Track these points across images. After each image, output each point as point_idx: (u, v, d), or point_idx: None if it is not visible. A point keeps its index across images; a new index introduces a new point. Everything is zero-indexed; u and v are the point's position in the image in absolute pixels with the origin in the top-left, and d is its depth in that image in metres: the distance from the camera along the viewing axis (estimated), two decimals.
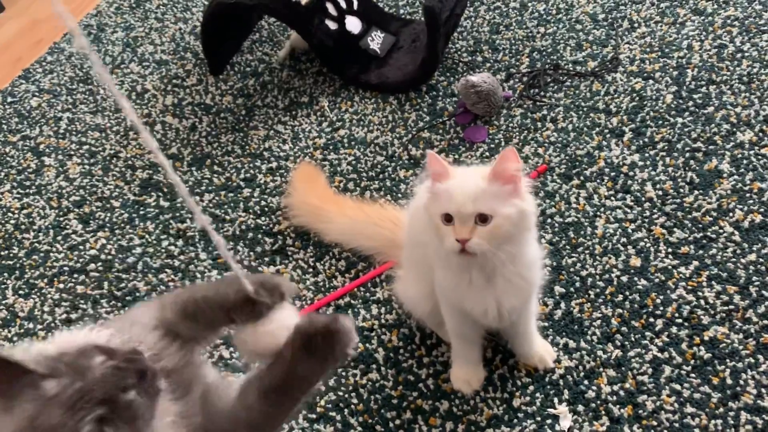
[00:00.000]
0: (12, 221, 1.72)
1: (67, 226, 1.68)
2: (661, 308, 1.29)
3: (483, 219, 0.96)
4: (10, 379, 0.66)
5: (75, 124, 1.96)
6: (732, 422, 1.13)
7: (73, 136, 1.92)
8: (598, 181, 1.52)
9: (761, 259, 1.32)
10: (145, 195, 1.72)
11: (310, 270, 1.48)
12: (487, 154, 1.63)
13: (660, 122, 1.61)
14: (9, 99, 2.09)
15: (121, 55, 2.16)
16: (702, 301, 1.28)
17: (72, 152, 1.88)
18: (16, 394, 0.66)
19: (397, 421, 1.22)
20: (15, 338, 1.47)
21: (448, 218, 0.98)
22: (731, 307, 1.27)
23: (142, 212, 1.68)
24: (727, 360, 1.20)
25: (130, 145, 1.86)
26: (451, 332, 1.21)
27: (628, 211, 1.45)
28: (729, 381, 1.18)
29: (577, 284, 1.35)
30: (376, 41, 1.93)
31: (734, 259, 1.33)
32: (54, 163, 1.86)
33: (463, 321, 1.14)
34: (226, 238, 1.58)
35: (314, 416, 1.25)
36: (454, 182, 0.99)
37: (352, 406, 1.26)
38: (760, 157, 1.49)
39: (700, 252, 1.36)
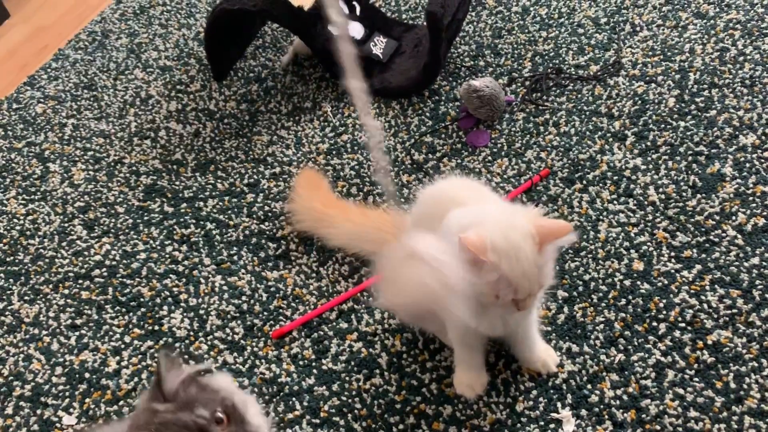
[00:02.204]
0: (17, 227, 1.73)
1: (72, 232, 1.69)
2: (664, 312, 1.29)
3: None
4: None
5: (79, 131, 1.97)
6: (736, 426, 1.13)
7: (78, 143, 1.94)
8: (601, 185, 1.52)
9: (764, 263, 1.32)
10: (149, 201, 1.73)
11: (314, 275, 1.49)
12: (490, 158, 1.64)
13: (662, 126, 1.61)
14: (14, 105, 2.11)
15: (126, 61, 2.18)
16: (705, 305, 1.28)
17: (77, 158, 1.89)
18: None
19: (401, 426, 1.23)
20: (21, 344, 1.48)
21: None
22: (734, 310, 1.27)
23: (146, 218, 1.68)
24: (731, 364, 1.20)
25: (134, 151, 1.87)
26: (454, 338, 1.21)
27: (631, 215, 1.45)
28: (732, 385, 1.18)
29: (580, 288, 1.35)
30: (378, 46, 1.94)
31: (737, 263, 1.33)
32: (59, 169, 1.87)
33: (465, 330, 1.15)
34: (229, 243, 1.58)
35: (318, 421, 1.26)
36: (508, 266, 0.93)
37: (356, 411, 1.26)
38: (762, 160, 1.49)
39: (703, 256, 1.36)
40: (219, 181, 1.74)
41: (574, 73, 1.79)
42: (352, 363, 1.33)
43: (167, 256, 1.59)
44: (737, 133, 1.55)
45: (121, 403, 1.35)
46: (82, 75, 2.17)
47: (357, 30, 1.93)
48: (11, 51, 2.41)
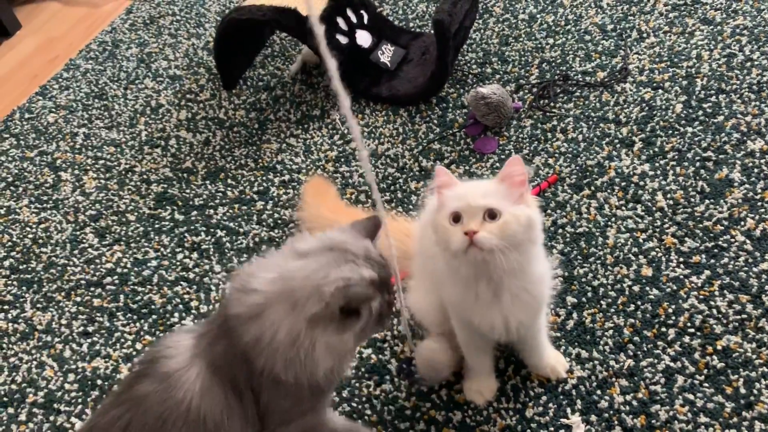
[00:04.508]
0: (30, 235, 1.75)
1: (84, 240, 1.71)
2: (674, 318, 1.29)
3: (492, 215, 0.96)
4: None
5: (91, 140, 1.99)
6: None
7: (89, 151, 1.96)
8: (609, 191, 1.53)
9: None
10: (160, 209, 1.74)
11: None
12: (498, 165, 1.64)
13: (670, 132, 1.61)
14: (26, 115, 2.13)
15: (136, 70, 2.20)
16: (714, 311, 1.28)
17: (88, 167, 1.91)
18: None
19: None
20: (33, 351, 1.49)
21: (456, 218, 0.98)
22: (744, 316, 1.27)
23: (157, 226, 1.70)
24: (741, 369, 1.20)
25: (145, 160, 1.89)
26: (463, 344, 1.22)
27: (639, 220, 1.46)
28: (742, 390, 1.18)
29: (589, 294, 1.36)
30: (386, 54, 1.95)
31: (746, 268, 1.33)
32: (70, 178, 1.89)
33: (472, 334, 1.15)
34: (239, 250, 1.60)
35: None
36: (463, 186, 1.03)
37: (366, 417, 1.26)
38: None
39: (712, 261, 1.36)
40: (229, 188, 1.75)
41: (581, 79, 1.80)
42: (363, 369, 1.34)
43: (178, 263, 1.60)
44: (745, 138, 1.55)
45: None
46: (93, 85, 2.19)
47: (365, 38, 1.95)
48: (23, 61, 2.44)
